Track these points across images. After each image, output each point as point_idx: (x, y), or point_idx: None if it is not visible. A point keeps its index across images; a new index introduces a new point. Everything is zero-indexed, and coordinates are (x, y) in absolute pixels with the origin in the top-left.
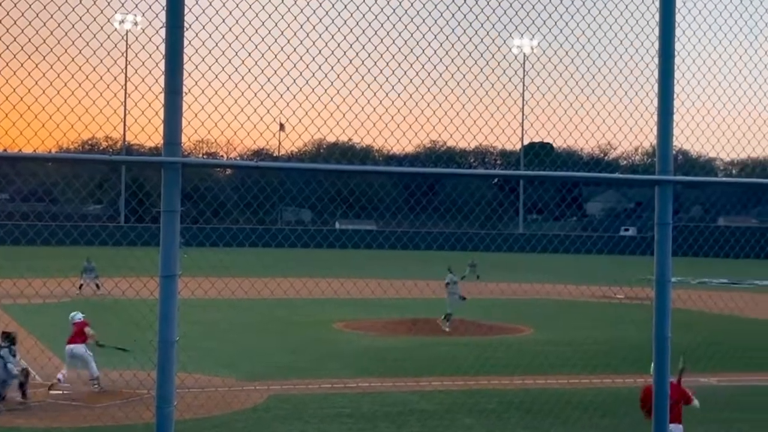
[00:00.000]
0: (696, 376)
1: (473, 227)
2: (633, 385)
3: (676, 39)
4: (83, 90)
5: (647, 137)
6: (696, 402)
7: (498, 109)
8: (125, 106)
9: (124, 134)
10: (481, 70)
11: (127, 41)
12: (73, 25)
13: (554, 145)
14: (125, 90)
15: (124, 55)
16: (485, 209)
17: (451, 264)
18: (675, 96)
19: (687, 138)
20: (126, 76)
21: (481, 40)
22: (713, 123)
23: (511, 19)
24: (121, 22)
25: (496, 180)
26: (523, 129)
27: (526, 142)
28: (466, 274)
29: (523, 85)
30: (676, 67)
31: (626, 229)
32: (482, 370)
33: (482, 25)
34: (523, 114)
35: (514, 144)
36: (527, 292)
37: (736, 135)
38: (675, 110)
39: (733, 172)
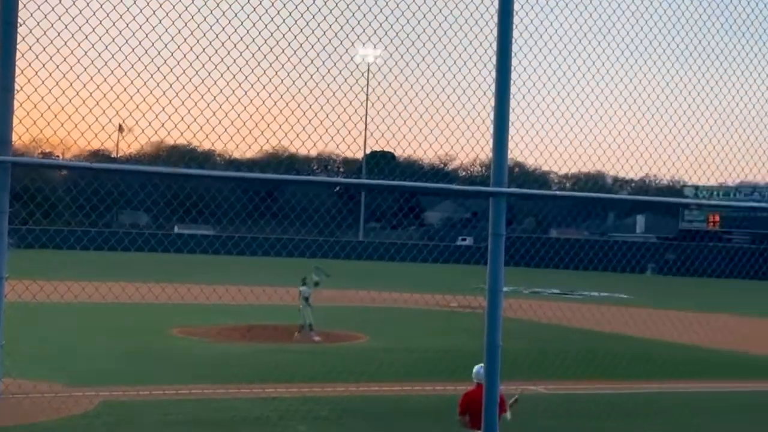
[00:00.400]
0: (524, 384)
1: (312, 234)
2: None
3: (513, 54)
4: None
5: (483, 149)
6: (508, 414)
7: (339, 117)
8: None
9: None
10: (323, 77)
11: None
12: None
13: (396, 154)
14: None
15: None
16: (324, 216)
17: (302, 273)
18: (511, 110)
19: (521, 151)
20: None
21: (323, 48)
22: (546, 137)
23: (353, 29)
24: None
25: (337, 188)
26: (365, 138)
27: (368, 151)
28: (320, 279)
29: (367, 93)
30: (512, 82)
31: (463, 239)
32: (317, 377)
33: (324, 33)
34: (365, 123)
35: (354, 152)
36: (364, 300)
37: (568, 150)
38: (511, 123)
39: (567, 185)
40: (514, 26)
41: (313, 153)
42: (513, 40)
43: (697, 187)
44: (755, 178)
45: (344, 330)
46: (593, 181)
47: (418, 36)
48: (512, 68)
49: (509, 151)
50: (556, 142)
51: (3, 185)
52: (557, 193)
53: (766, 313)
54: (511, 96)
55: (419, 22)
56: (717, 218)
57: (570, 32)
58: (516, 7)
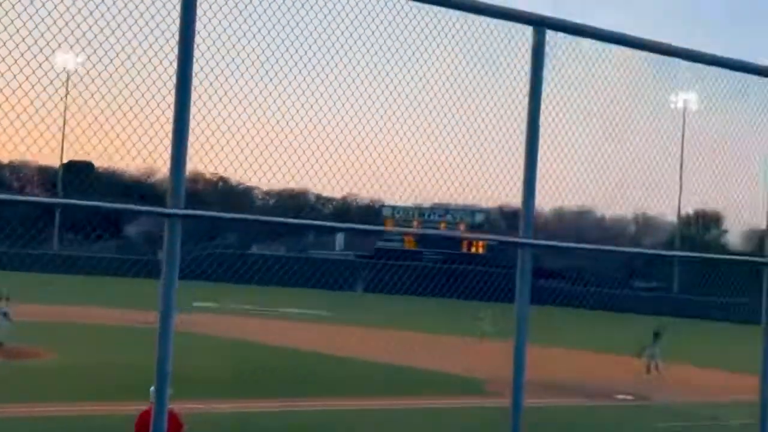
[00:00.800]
0: (194, 403)
1: (3, 246)
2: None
3: (194, 61)
4: None
5: (188, 166)
6: None
7: (36, 127)
8: None
9: None
10: (20, 85)
11: None
12: None
13: (95, 164)
14: None
15: None
16: (17, 228)
17: None
18: (191, 118)
19: (225, 168)
20: None
21: (22, 54)
22: (252, 154)
23: (54, 36)
24: None
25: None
26: (63, 147)
27: (66, 160)
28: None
29: (65, 101)
30: (198, 96)
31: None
32: None
33: (24, 39)
34: (63, 132)
35: (52, 161)
36: (53, 315)
37: (272, 168)
38: (202, 138)
39: (271, 202)
40: (195, 45)
41: (5, 160)
42: (194, 60)
43: (394, 207)
44: (449, 200)
45: (31, 346)
46: (296, 198)
47: (118, 40)
48: (194, 75)
49: (187, 167)
50: (261, 160)
51: None
52: (238, 216)
53: (454, 332)
54: (196, 109)
55: (113, 31)
56: (412, 237)
57: (263, 43)
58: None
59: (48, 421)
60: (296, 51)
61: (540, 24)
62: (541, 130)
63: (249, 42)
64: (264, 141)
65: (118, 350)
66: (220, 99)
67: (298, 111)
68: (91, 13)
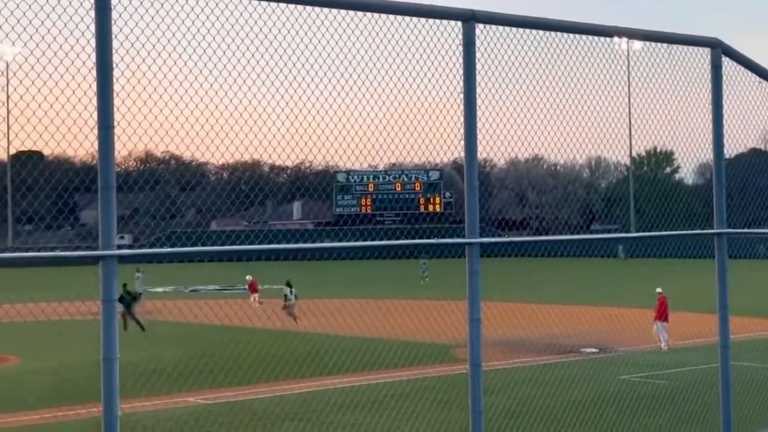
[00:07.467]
0: (178, 397)
1: None
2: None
3: (113, 51)
4: None
5: (139, 146)
6: None
7: None
8: None
9: None
10: None
11: None
12: None
13: (44, 153)
14: None
15: None
16: None
17: None
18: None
19: (177, 145)
20: None
21: None
22: (203, 129)
23: None
24: None
25: None
26: (8, 138)
27: (13, 151)
28: None
29: (7, 91)
30: (119, 75)
31: (121, 237)
32: None
33: None
34: (8, 123)
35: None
36: (9, 314)
37: (225, 141)
38: (109, 121)
39: (224, 175)
40: (113, 36)
41: None
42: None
43: (349, 171)
44: (405, 160)
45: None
46: (251, 170)
47: (59, 31)
48: (114, 66)
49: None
50: (212, 134)
51: None
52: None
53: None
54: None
55: (60, 17)
56: (369, 201)
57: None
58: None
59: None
60: (243, 25)
61: (470, 19)
62: (486, 91)
63: (188, 16)
64: (214, 116)
65: (79, 347)
66: (171, 82)
67: (245, 82)
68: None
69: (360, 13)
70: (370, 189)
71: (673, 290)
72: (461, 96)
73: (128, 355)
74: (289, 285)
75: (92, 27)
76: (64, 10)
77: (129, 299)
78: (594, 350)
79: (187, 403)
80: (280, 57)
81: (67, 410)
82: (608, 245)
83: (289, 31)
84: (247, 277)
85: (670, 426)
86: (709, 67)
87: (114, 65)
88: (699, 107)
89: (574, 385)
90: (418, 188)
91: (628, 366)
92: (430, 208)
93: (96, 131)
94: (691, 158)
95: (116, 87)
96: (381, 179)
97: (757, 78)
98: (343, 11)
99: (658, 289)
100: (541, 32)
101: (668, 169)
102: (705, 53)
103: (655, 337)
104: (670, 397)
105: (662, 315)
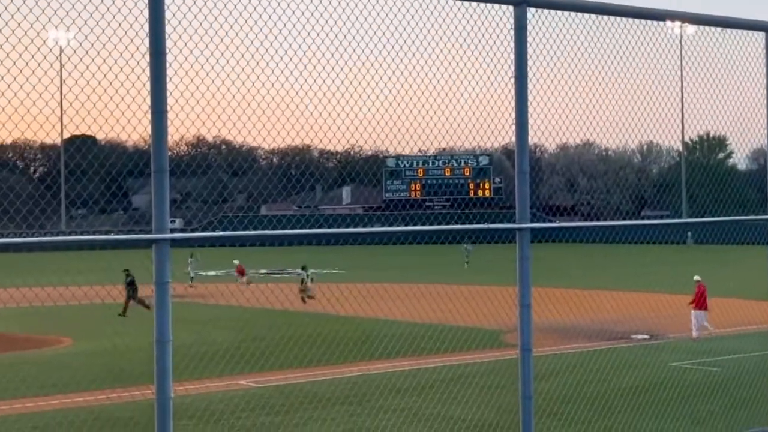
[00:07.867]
0: (232, 379)
1: (8, 228)
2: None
3: (166, 36)
4: None
5: (191, 130)
6: None
7: (35, 104)
8: None
9: None
10: (14, 63)
11: None
12: None
13: (97, 138)
14: None
15: None
16: (20, 209)
17: None
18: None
19: (229, 130)
20: None
21: (12, 31)
22: (254, 114)
23: (43, 10)
24: None
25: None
26: (62, 123)
27: (66, 136)
28: None
29: (61, 77)
30: (171, 65)
31: (173, 221)
32: (8, 392)
33: (13, 16)
34: (62, 108)
35: (54, 139)
36: (65, 297)
37: (276, 126)
38: (162, 106)
39: (274, 160)
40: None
41: (8, 141)
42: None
43: (398, 156)
44: (455, 145)
45: (44, 334)
46: (301, 154)
47: (113, 17)
48: (167, 50)
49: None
50: (264, 119)
51: None
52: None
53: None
54: (169, 71)
55: (114, 1)
56: (418, 186)
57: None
58: None
59: (74, 412)
60: (295, 10)
61: (521, 2)
62: (537, 76)
63: (240, 1)
64: (265, 100)
65: (133, 330)
66: (224, 67)
67: (296, 67)
68: None
69: None
70: (419, 174)
71: (725, 277)
72: (512, 81)
73: (181, 337)
74: (304, 269)
75: (146, 12)
76: None
77: (130, 291)
78: (645, 336)
79: (239, 386)
80: (332, 42)
81: (121, 391)
82: (669, 232)
83: (340, 16)
84: (235, 262)
85: (723, 412)
86: (763, 51)
87: (167, 50)
88: (753, 92)
89: (624, 371)
90: (467, 173)
91: (680, 353)
92: (480, 193)
93: (149, 116)
94: (744, 144)
95: (169, 72)
96: (430, 164)
97: None
98: None
99: (696, 277)
100: (592, 16)
101: (721, 155)
102: (759, 37)
103: (694, 325)
104: (722, 384)
105: (701, 303)
